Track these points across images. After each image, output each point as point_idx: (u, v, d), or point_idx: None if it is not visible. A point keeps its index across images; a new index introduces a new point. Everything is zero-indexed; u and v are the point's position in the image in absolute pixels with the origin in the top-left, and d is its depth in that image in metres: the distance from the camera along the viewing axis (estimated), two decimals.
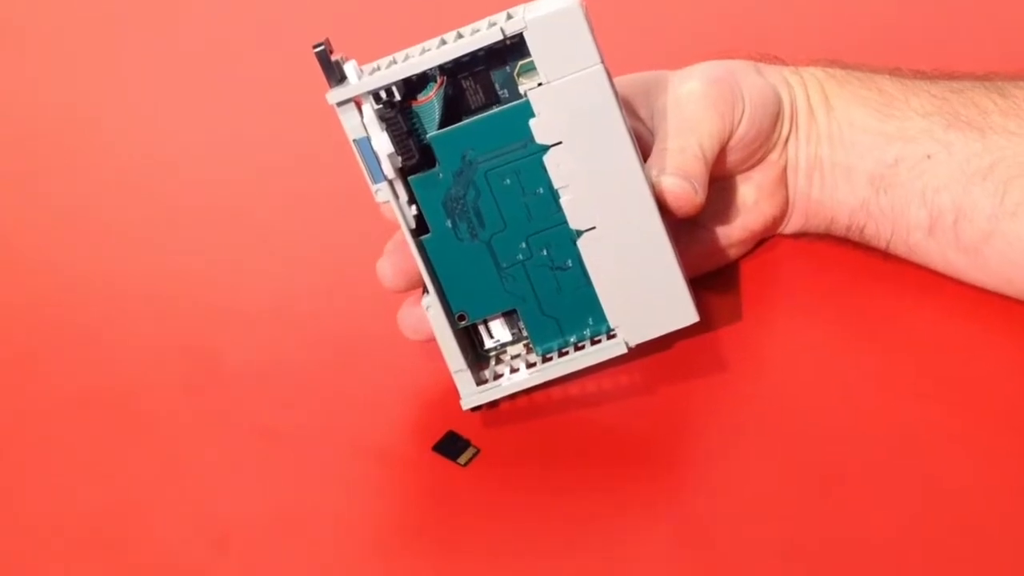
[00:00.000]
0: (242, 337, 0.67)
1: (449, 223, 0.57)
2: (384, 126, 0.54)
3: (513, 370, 0.60)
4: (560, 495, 0.56)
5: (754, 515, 0.53)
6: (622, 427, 0.58)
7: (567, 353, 0.59)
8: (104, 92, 0.87)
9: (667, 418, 0.58)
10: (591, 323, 0.58)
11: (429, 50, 0.55)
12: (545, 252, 0.57)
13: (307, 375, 0.64)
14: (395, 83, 0.55)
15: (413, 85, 0.56)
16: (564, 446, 0.58)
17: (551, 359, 0.59)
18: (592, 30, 0.53)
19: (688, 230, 0.62)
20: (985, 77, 0.61)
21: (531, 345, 0.60)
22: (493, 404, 0.61)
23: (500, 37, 0.53)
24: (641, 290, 0.56)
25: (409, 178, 0.56)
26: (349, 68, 0.54)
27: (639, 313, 0.57)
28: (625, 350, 0.58)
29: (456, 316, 0.59)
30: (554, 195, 0.56)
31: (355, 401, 0.62)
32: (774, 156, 0.63)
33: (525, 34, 0.53)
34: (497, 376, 0.60)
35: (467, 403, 0.59)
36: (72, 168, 0.80)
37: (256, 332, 0.66)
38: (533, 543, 0.54)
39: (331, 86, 0.54)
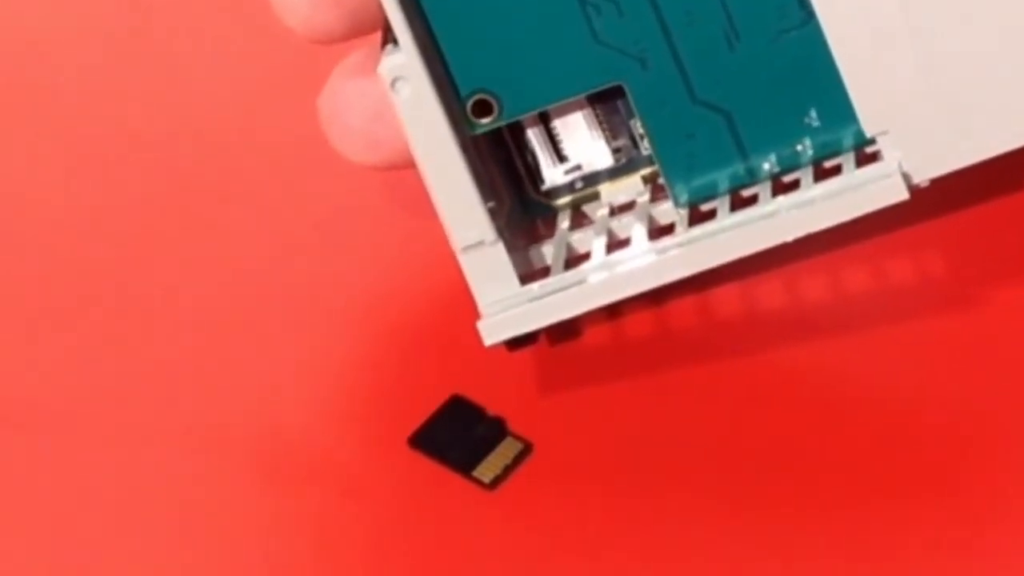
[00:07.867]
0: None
1: None
2: None
3: (614, 244, 0.38)
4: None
5: None
6: (844, 393, 0.38)
7: (752, 201, 0.37)
8: None
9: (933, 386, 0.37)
10: (813, 125, 0.37)
11: None
12: None
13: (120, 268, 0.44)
14: None
15: None
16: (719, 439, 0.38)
17: (712, 215, 0.38)
18: None
19: None
20: None
21: (664, 181, 0.39)
22: (560, 331, 0.39)
23: None
24: (942, 52, 0.36)
25: None
26: None
27: (937, 107, 0.36)
28: (905, 195, 0.36)
29: (469, 103, 0.37)
30: None
31: (231, 330, 0.42)
32: None
33: None
34: (572, 260, 0.39)
35: (494, 329, 0.37)
36: None
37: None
38: None
39: None
